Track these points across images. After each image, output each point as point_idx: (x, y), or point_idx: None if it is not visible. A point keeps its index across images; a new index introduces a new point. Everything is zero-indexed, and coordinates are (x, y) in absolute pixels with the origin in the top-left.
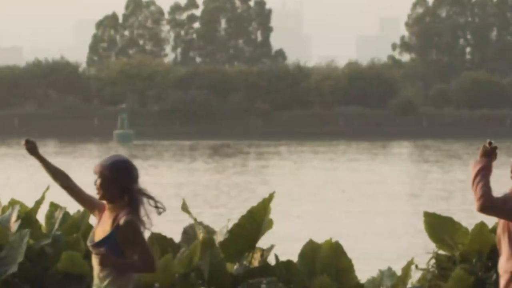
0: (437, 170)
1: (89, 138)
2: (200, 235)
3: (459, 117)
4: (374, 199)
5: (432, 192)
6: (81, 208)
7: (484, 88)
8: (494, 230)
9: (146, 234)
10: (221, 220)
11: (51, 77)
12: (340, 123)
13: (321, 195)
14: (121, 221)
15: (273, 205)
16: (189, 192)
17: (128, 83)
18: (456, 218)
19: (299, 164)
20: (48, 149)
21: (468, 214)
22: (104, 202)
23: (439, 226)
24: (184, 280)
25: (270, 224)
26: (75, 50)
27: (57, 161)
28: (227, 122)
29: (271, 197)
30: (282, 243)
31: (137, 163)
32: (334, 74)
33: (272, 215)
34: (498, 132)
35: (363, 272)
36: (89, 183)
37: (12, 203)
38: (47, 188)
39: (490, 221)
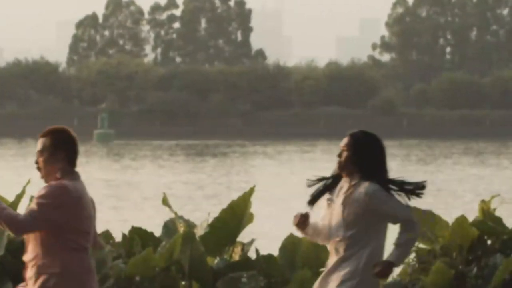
0: (426, 169)
1: None
2: (181, 229)
3: (439, 117)
4: None
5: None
6: None
7: (464, 88)
8: (474, 223)
9: (127, 229)
10: (204, 216)
11: (31, 77)
12: (321, 123)
13: (309, 193)
14: None
15: (262, 204)
16: (171, 191)
17: (108, 83)
18: (439, 213)
19: (285, 163)
20: (29, 150)
21: (452, 210)
22: None
23: (419, 220)
24: (165, 273)
25: (250, 218)
26: (57, 50)
27: (33, 161)
28: (207, 122)
29: (251, 191)
30: (266, 239)
31: (117, 162)
32: (314, 74)
33: (260, 214)
34: (477, 132)
35: None
36: None
37: None
38: (28, 182)
39: (471, 214)
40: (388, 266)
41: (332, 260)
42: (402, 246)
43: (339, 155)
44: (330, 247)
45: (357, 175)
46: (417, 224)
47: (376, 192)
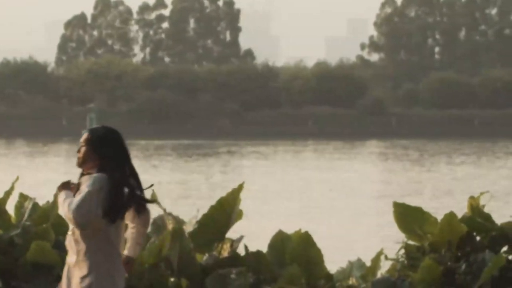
0: (416, 168)
1: (58, 138)
2: (170, 225)
3: (428, 117)
4: (356, 197)
5: (412, 190)
6: (50, 199)
7: (453, 88)
8: (463, 220)
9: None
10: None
11: (20, 77)
12: (309, 123)
13: (305, 193)
14: None
15: (252, 202)
16: (161, 191)
17: (96, 83)
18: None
19: (277, 163)
20: (17, 150)
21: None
22: None
23: (408, 217)
24: (154, 270)
25: (239, 214)
26: (45, 50)
27: (27, 161)
28: (196, 122)
29: (240, 187)
30: (255, 236)
31: None
32: (303, 74)
33: (253, 211)
34: (466, 132)
35: (333, 263)
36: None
37: None
38: (16, 179)
39: (460, 211)
40: None
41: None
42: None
43: (78, 151)
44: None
45: (95, 170)
46: (74, 219)
47: (92, 178)
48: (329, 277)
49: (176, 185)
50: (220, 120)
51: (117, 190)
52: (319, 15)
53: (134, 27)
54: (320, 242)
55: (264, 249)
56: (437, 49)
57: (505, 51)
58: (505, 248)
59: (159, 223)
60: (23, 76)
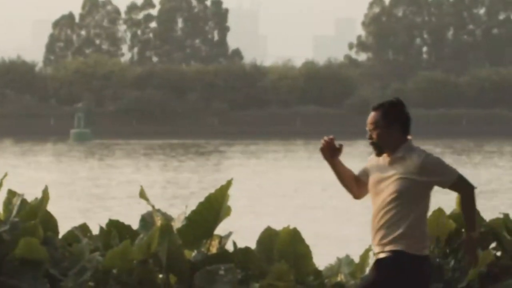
0: None
1: (46, 137)
2: (158, 222)
3: (415, 116)
4: (347, 196)
5: None
6: (39, 196)
7: (440, 88)
8: (451, 216)
9: (103, 221)
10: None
11: (7, 76)
12: (297, 123)
13: (298, 192)
14: None
15: (241, 199)
16: (153, 190)
17: (84, 83)
18: None
19: (267, 162)
20: (6, 149)
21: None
22: None
23: None
24: (142, 266)
25: (228, 211)
26: (33, 50)
27: (19, 161)
28: (184, 122)
29: (229, 184)
30: (247, 233)
31: (94, 162)
32: (291, 74)
33: (243, 209)
34: (454, 131)
35: (322, 259)
36: (50, 181)
37: None
38: (5, 175)
39: (448, 207)
40: None
41: None
42: None
43: None
44: None
45: None
46: None
47: None
48: (317, 273)
49: (165, 184)
50: (208, 119)
51: None
52: (307, 14)
53: (122, 27)
54: (314, 240)
55: (254, 246)
56: (425, 49)
57: (493, 50)
58: (493, 245)
59: (148, 219)
60: (10, 75)
